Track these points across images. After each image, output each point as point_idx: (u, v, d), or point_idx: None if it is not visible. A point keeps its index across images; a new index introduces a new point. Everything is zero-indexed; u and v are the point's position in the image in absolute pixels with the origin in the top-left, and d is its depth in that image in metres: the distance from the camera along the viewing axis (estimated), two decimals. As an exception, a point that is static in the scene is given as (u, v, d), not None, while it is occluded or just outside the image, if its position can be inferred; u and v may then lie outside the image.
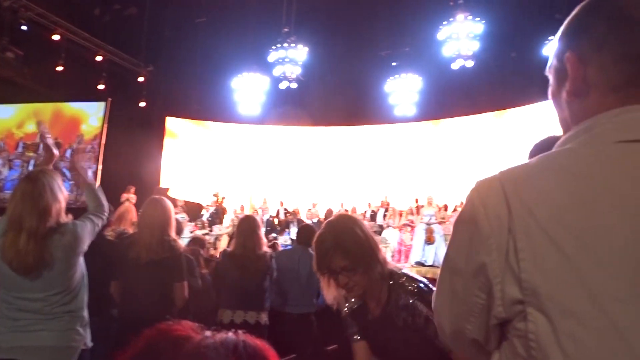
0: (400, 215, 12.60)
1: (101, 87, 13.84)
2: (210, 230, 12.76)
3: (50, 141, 2.86)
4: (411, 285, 1.82)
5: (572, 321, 0.72)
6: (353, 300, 1.94)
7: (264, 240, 4.22)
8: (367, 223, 9.09)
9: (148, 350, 0.55)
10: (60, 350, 2.48)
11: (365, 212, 13.33)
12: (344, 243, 1.76)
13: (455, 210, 12.65)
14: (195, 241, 5.59)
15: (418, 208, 12.27)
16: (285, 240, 10.95)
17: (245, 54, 14.59)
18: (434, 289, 1.85)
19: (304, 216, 13.22)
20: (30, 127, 12.42)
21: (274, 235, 12.38)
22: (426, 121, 16.07)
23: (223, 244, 11.96)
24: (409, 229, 12.04)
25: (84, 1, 13.48)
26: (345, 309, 1.96)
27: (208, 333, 0.58)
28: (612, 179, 0.76)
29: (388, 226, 12.51)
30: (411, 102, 15.30)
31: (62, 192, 2.57)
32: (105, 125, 12.49)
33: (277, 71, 14.56)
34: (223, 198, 13.96)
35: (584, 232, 0.74)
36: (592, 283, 0.72)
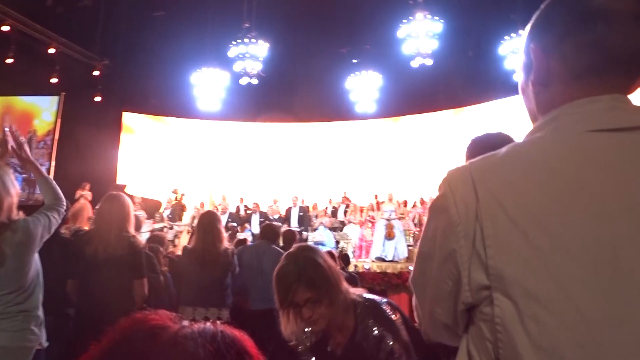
0: (361, 211, 12.71)
1: (54, 80, 13.35)
2: (171, 228, 12.54)
3: (16, 136, 2.73)
4: (379, 315, 1.78)
5: (536, 305, 0.75)
6: (309, 335, 1.82)
7: (225, 235, 4.18)
8: (327, 219, 9.27)
9: (123, 340, 0.54)
10: (13, 350, 2.39)
11: (327, 208, 13.38)
12: (307, 274, 1.70)
13: (414, 206, 12.85)
14: (155, 238, 5.49)
15: (378, 204, 12.40)
16: (246, 235, 10.86)
17: (204, 48, 14.37)
18: (392, 302, 1.86)
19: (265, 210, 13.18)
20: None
21: (233, 224, 12.29)
22: (386, 118, 16.25)
23: (183, 241, 11.78)
24: (369, 224, 12.16)
25: (36, -9, 13.00)
26: (301, 347, 1.84)
27: (185, 323, 0.57)
28: (577, 168, 0.79)
29: (349, 222, 12.59)
30: (371, 99, 15.43)
31: (15, 187, 2.48)
32: (59, 121, 12.08)
33: (237, 67, 14.40)
34: (182, 195, 13.73)
35: (549, 219, 0.76)
36: (556, 268, 0.74)
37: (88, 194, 11.35)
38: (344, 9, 13.80)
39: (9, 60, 12.26)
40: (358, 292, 1.90)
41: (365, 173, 15.54)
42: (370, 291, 2.04)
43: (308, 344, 1.84)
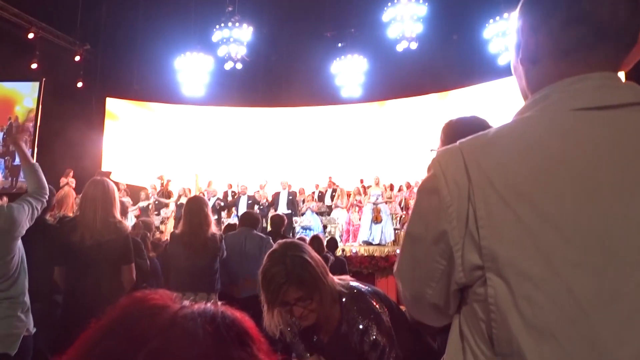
0: (348, 195, 12.75)
1: (34, 66, 13.11)
2: (157, 214, 12.49)
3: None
4: (363, 306, 1.78)
5: (529, 284, 0.75)
6: (295, 329, 1.86)
7: (212, 219, 4.16)
8: (315, 204, 9.29)
9: (123, 319, 0.54)
10: (1, 338, 2.37)
11: (314, 192, 13.39)
12: (296, 274, 1.68)
13: (400, 189, 12.91)
14: (142, 224, 5.45)
15: (364, 188, 12.44)
16: (234, 220, 10.85)
17: (188, 33, 14.19)
18: (379, 291, 1.86)
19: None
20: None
21: (221, 204, 12.27)
22: (372, 102, 16.23)
23: (170, 227, 11.74)
24: (356, 209, 12.21)
25: (13, -26, 12.67)
26: (289, 336, 1.89)
27: (186, 303, 0.57)
28: (567, 147, 0.79)
29: (336, 206, 12.63)
30: (357, 84, 15.39)
31: (-2, 174, 2.45)
32: (40, 107, 11.87)
33: (221, 51, 14.27)
34: (168, 181, 13.64)
35: (539, 199, 0.77)
36: (547, 248, 0.75)
37: (72, 180, 11.23)
38: (328, -8, 13.70)
39: (-13, 46, 12.00)
40: (344, 280, 1.90)
41: (352, 157, 15.55)
42: (358, 274, 2.04)
43: (295, 336, 1.88)
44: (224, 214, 12.92)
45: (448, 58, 13.40)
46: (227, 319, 0.56)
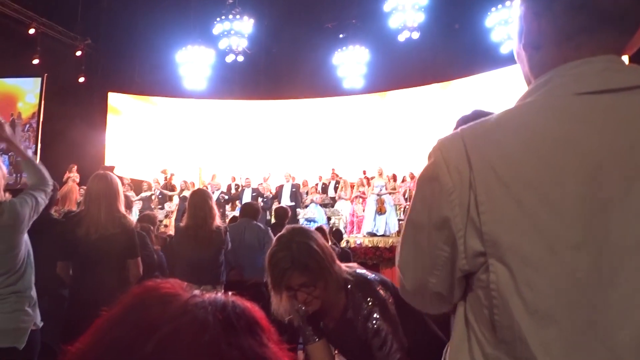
0: (352, 187, 12.74)
1: (36, 61, 13.11)
2: (161, 208, 12.52)
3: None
4: (368, 292, 1.79)
5: (530, 269, 0.76)
6: (303, 313, 1.86)
7: (217, 212, 4.17)
8: (318, 196, 9.31)
9: (134, 307, 0.54)
10: (8, 332, 2.38)
11: (317, 184, 13.38)
12: (301, 260, 1.70)
13: (404, 180, 12.89)
14: (146, 218, 5.46)
15: (368, 179, 12.43)
16: (237, 213, 10.87)
17: (189, 26, 14.15)
18: (386, 280, 1.86)
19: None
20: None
21: (225, 197, 12.31)
22: (374, 93, 16.18)
23: (173, 221, 11.78)
24: (360, 200, 12.21)
25: (13, -30, 12.64)
26: (298, 320, 1.90)
27: (197, 292, 0.57)
28: (569, 131, 0.79)
29: (340, 198, 12.63)
30: (359, 75, 15.34)
31: (1, 169, 2.45)
32: (42, 103, 11.90)
33: (222, 44, 14.23)
34: (172, 175, 13.66)
35: (540, 183, 0.77)
36: (548, 233, 0.75)
37: (76, 175, 11.26)
38: (328, -18, 13.64)
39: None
40: (352, 268, 1.91)
41: (354, 149, 15.52)
42: (363, 265, 2.05)
43: (303, 320, 1.89)
44: (228, 207, 12.95)
45: (450, 47, 13.33)
46: (238, 308, 0.56)
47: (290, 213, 6.52)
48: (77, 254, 3.06)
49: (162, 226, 11.14)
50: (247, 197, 12.23)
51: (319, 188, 13.15)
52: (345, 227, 11.75)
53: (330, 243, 6.84)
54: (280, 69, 15.78)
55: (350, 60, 15.11)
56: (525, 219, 0.76)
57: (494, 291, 0.79)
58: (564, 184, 0.75)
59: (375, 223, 11.40)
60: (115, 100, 16.10)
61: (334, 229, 9.25)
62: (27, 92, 12.27)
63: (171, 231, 8.88)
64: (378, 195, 11.56)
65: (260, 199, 12.07)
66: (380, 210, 11.40)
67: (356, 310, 1.77)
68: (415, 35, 13.48)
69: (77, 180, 10.95)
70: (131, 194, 11.52)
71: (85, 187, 3.34)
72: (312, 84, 16.05)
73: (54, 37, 13.83)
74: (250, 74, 15.67)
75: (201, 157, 15.57)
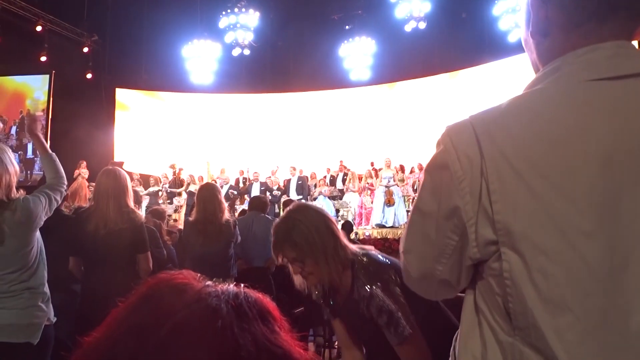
0: (360, 179, 12.73)
1: (43, 59, 13.18)
2: (170, 202, 12.58)
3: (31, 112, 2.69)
4: (373, 273, 1.82)
5: (543, 257, 0.75)
6: (318, 287, 1.97)
7: (225, 206, 4.18)
8: (327, 188, 9.34)
9: (150, 295, 0.56)
10: (22, 327, 2.41)
11: (325, 177, 13.38)
12: (292, 236, 1.79)
13: (412, 171, 12.86)
14: (154, 213, 5.48)
15: (376, 171, 12.40)
16: (246, 206, 10.90)
17: (195, 20, 14.15)
18: (397, 264, 1.86)
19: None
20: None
21: (234, 192, 12.35)
22: (381, 85, 16.12)
23: (182, 215, 11.83)
24: (368, 192, 12.20)
25: (19, -32, 12.68)
26: (315, 294, 2.00)
27: (209, 282, 0.59)
28: (579, 118, 0.78)
29: (348, 190, 12.62)
30: (366, 66, 15.28)
31: (14, 166, 2.46)
32: (51, 100, 11.96)
33: (228, 38, 14.23)
34: (180, 169, 13.71)
35: (553, 171, 0.76)
36: (561, 220, 0.75)
37: (85, 171, 11.33)
38: (334, -27, 13.56)
39: (-4, 40, 12.07)
40: (365, 249, 1.93)
41: (362, 141, 15.50)
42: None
43: (318, 294, 1.99)
44: (237, 200, 12.99)
45: (457, 37, 13.24)
46: (250, 298, 0.58)
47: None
48: (87, 250, 3.09)
49: (172, 220, 11.19)
50: (255, 191, 12.27)
51: (327, 180, 13.15)
52: (353, 219, 11.75)
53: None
54: (286, 61, 15.76)
55: (357, 52, 15.05)
56: (538, 208, 0.76)
57: (508, 280, 0.79)
58: (577, 172, 0.75)
59: (383, 215, 11.39)
60: (122, 96, 16.16)
61: (344, 221, 9.24)
62: (35, 90, 12.33)
63: (181, 225, 8.92)
64: (386, 186, 11.54)
65: (268, 193, 12.10)
66: (389, 202, 11.38)
67: (360, 289, 1.79)
68: (422, 25, 13.40)
69: (87, 176, 11.02)
70: (140, 189, 11.59)
71: (94, 183, 3.35)
72: (319, 76, 16.02)
73: (61, 34, 13.89)
74: (257, 67, 15.66)
75: (209, 151, 15.61)
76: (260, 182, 12.68)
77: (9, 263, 2.40)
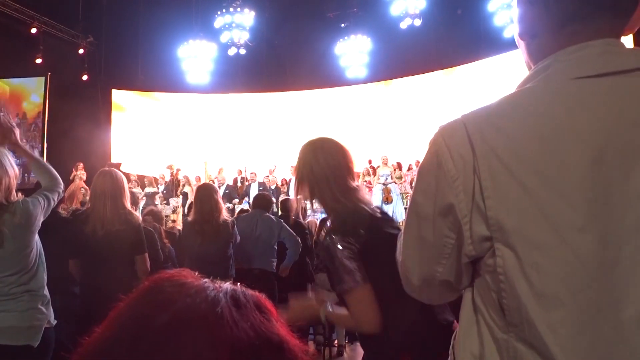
0: (357, 176, 12.70)
1: (39, 61, 13.14)
2: (167, 203, 12.57)
3: (5, 120, 2.69)
4: (341, 226, 1.77)
5: (536, 252, 0.76)
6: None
7: (223, 205, 4.19)
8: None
9: (150, 290, 0.58)
10: (22, 330, 2.42)
11: (323, 175, 13.34)
12: (300, 162, 2.02)
13: (410, 168, 12.87)
14: (151, 214, 5.46)
15: (373, 169, 12.40)
16: (245, 206, 10.90)
17: (190, 20, 14.13)
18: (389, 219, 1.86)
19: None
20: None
21: (236, 201, 12.33)
22: (377, 82, 16.10)
23: (180, 216, 11.82)
24: (366, 190, 12.18)
25: (13, -30, 12.63)
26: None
27: (207, 280, 0.62)
28: (569, 115, 0.79)
29: (346, 188, 12.59)
30: (362, 64, 15.26)
31: (13, 169, 2.47)
32: (47, 102, 11.94)
33: (224, 37, 14.21)
34: (178, 170, 13.69)
35: (544, 167, 0.77)
36: (553, 215, 0.76)
37: (82, 173, 11.32)
38: (328, -29, 13.54)
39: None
40: (368, 205, 1.89)
41: (359, 138, 15.48)
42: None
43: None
44: (236, 200, 12.98)
45: (453, 33, 13.22)
46: (247, 293, 0.60)
47: (295, 205, 6.51)
48: (85, 251, 3.10)
49: (170, 221, 11.19)
50: (254, 193, 12.26)
51: (325, 178, 13.10)
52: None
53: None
54: (282, 60, 15.73)
55: (353, 50, 15.03)
56: (530, 203, 0.77)
57: (501, 275, 0.80)
58: (568, 168, 0.76)
59: (382, 212, 11.38)
60: (119, 97, 16.11)
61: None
62: (31, 92, 12.32)
63: (179, 226, 8.92)
64: (384, 184, 11.55)
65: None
66: (387, 200, 11.40)
67: (325, 235, 1.78)
68: (418, 22, 13.39)
69: (84, 178, 11.01)
70: (138, 190, 11.57)
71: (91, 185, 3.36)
72: (315, 75, 15.98)
73: (56, 35, 13.84)
74: (253, 67, 15.62)
75: (206, 151, 15.59)
76: (259, 183, 12.67)
77: (8, 265, 2.40)
